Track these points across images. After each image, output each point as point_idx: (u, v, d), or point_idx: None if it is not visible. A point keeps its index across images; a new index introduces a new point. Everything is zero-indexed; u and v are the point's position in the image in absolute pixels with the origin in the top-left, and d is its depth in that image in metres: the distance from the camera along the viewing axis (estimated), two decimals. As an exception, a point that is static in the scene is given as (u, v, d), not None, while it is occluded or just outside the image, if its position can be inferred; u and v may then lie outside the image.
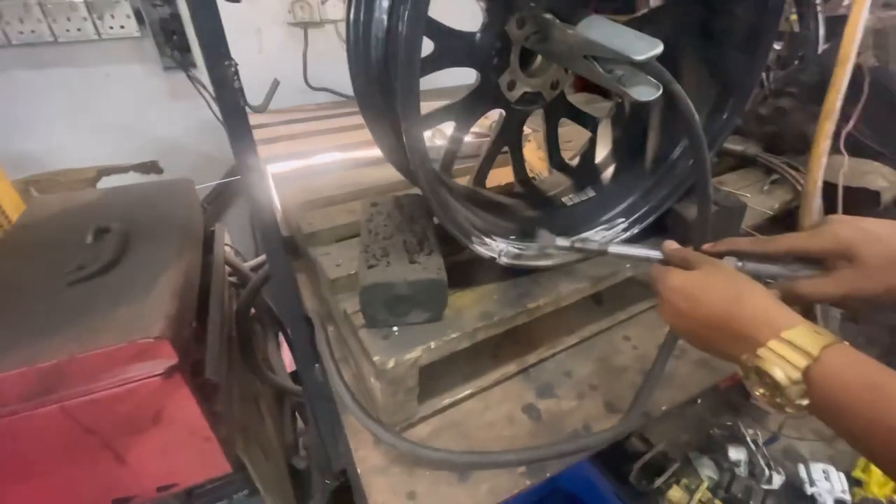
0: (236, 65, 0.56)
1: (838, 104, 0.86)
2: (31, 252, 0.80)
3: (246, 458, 0.96)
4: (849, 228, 0.47)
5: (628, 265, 0.79)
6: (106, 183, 1.62)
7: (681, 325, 0.49)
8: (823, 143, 0.89)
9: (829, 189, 1.06)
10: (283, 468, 1.28)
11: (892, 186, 1.07)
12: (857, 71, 1.25)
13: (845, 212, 1.06)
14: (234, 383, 0.95)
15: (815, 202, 0.90)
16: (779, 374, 0.37)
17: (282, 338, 1.48)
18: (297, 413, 1.57)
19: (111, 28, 1.37)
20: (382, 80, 0.67)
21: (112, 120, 1.54)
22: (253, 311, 1.28)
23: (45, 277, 0.73)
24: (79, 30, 1.34)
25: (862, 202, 1.05)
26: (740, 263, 0.53)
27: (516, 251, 0.71)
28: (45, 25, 1.31)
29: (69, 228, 0.85)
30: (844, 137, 1.03)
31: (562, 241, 0.64)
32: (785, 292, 0.49)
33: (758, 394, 0.40)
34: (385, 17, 0.62)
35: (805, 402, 0.37)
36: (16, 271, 0.76)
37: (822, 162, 0.90)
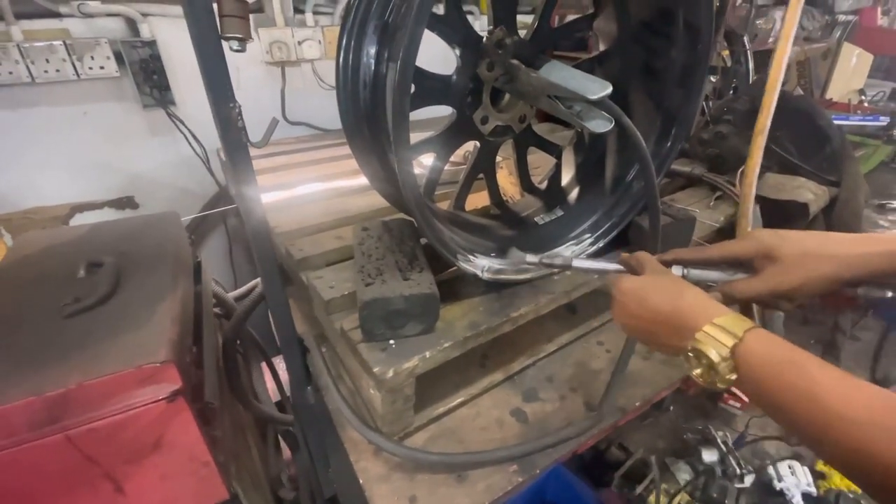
0: (240, 106, 0.62)
1: (767, 123, 0.98)
2: (23, 288, 0.81)
3: (238, 488, 0.96)
4: (769, 235, 0.57)
5: (596, 277, 0.87)
6: (80, 220, 1.61)
7: (631, 323, 0.56)
8: (756, 155, 0.99)
9: (765, 202, 1.20)
10: (270, 499, 1.26)
11: (818, 198, 1.23)
12: (780, 95, 1.43)
13: (779, 222, 1.20)
14: (225, 411, 0.96)
15: (750, 209, 1.01)
16: (712, 352, 0.44)
17: (265, 368, 1.48)
18: (279, 444, 1.55)
19: (90, 69, 1.40)
20: (370, 117, 0.74)
21: (89, 157, 1.55)
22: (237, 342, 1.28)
23: (39, 311, 0.74)
24: (57, 71, 1.36)
25: (793, 213, 1.19)
26: (686, 271, 0.61)
27: (498, 267, 0.79)
28: (23, 66, 1.32)
29: (60, 264, 0.86)
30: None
31: (531, 258, 0.69)
32: (724, 294, 0.59)
33: (695, 374, 0.47)
34: (372, 62, 0.70)
35: (733, 376, 0.44)
36: (9, 306, 0.76)
37: (755, 173, 1.01)
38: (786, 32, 0.88)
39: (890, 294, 0.53)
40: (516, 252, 0.69)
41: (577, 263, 0.64)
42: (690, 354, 0.47)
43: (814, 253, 0.53)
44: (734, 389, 0.45)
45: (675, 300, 0.51)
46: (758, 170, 1.02)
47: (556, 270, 0.84)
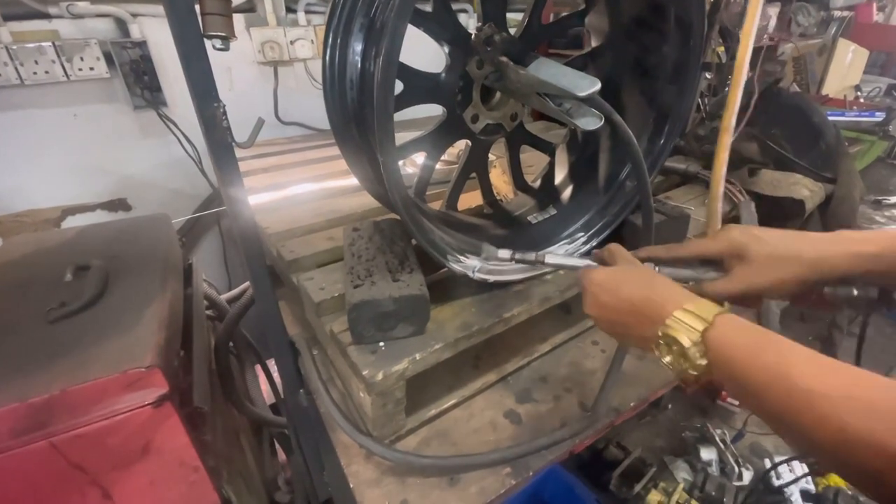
0: (224, 106, 0.61)
1: (733, 120, 1.00)
2: (9, 292, 0.80)
3: (231, 492, 0.95)
4: (740, 233, 0.55)
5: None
6: (72, 222, 1.59)
7: (603, 315, 0.55)
8: (723, 154, 1.01)
9: (761, 199, 1.19)
10: (265, 503, 1.25)
11: (813, 195, 1.22)
12: (776, 92, 1.42)
13: (776, 219, 1.19)
14: (218, 415, 0.95)
15: (718, 206, 1.02)
16: (683, 337, 0.44)
17: (259, 370, 1.47)
18: (274, 447, 1.54)
19: (80, 70, 1.39)
20: (358, 117, 0.73)
21: (80, 159, 1.53)
22: (230, 344, 1.27)
23: (25, 316, 0.73)
24: (47, 72, 1.35)
25: (789, 210, 1.18)
26: (657, 268, 0.60)
27: (489, 267, 0.78)
28: (12, 68, 1.31)
29: (47, 268, 0.85)
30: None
31: (503, 254, 0.67)
32: (695, 294, 0.57)
33: (666, 361, 0.46)
34: (358, 59, 0.69)
35: (704, 361, 0.43)
36: (-7, 312, 0.75)
37: (722, 172, 1.02)
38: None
39: (856, 292, 0.51)
40: (489, 247, 0.67)
41: (549, 259, 0.63)
42: (661, 342, 0.46)
43: (782, 254, 0.52)
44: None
45: (645, 289, 0.50)
46: (724, 168, 1.02)
47: (549, 270, 0.84)
